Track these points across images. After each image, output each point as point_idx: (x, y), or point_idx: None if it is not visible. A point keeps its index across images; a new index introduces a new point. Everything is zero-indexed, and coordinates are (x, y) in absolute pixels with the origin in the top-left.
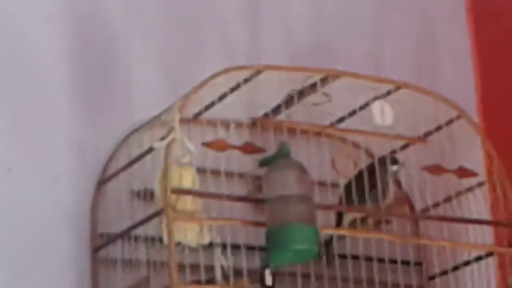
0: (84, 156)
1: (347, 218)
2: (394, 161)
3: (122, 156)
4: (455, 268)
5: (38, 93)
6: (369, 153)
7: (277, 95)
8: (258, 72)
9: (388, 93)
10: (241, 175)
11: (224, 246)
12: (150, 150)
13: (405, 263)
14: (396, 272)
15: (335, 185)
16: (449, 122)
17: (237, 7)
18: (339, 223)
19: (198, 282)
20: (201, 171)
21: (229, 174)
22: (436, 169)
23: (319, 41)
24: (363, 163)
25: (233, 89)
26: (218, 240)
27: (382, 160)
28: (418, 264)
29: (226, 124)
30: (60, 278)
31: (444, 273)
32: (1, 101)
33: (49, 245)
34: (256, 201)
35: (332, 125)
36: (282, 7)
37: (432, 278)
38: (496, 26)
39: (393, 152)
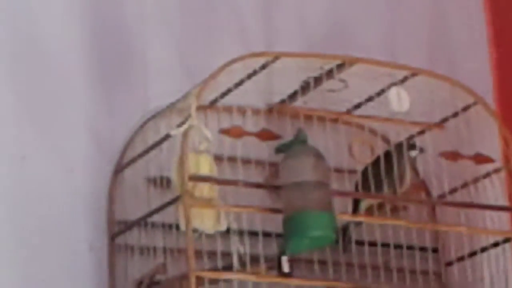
0: (101, 144)
1: (364, 204)
2: (413, 147)
3: (138, 144)
4: (472, 254)
5: (53, 81)
6: (385, 140)
7: (293, 82)
8: (275, 59)
9: (405, 79)
10: (257, 162)
11: (241, 233)
12: (167, 137)
13: (422, 249)
14: (413, 258)
15: (352, 172)
16: (466, 108)
17: None
18: (355, 209)
19: (215, 269)
20: (218, 158)
21: (245, 161)
22: (453, 155)
23: (334, 27)
24: (380, 149)
25: (249, 76)
26: (235, 226)
27: (399, 146)
28: (435, 250)
29: (242, 111)
30: (78, 265)
31: (461, 259)
32: (16, 89)
33: (66, 233)
34: (273, 188)
35: (348, 111)
36: None
37: (449, 264)
38: None
39: (411, 137)
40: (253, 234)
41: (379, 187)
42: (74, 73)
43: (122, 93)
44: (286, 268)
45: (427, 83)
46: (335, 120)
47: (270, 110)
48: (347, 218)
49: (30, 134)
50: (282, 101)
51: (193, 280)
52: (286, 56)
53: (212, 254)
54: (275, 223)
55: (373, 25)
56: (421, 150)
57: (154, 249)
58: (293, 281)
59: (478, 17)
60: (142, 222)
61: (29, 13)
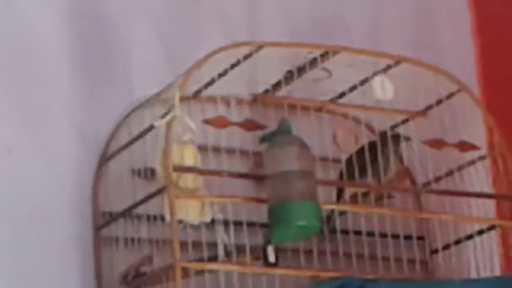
0: (85, 135)
1: (348, 193)
2: (397, 137)
3: (122, 135)
4: (458, 242)
5: (37, 73)
6: (370, 128)
7: (277, 71)
8: (259, 48)
9: (388, 67)
10: (242, 152)
11: (226, 223)
12: (151, 128)
13: (408, 237)
14: (398, 247)
15: (336, 161)
16: (450, 96)
17: None
18: (339, 197)
19: (200, 259)
20: (202, 148)
21: (230, 151)
22: (437, 143)
23: (318, 16)
24: (364, 138)
25: (233, 66)
26: (220, 217)
27: (383, 135)
28: (421, 238)
29: (226, 101)
30: (63, 257)
31: (446, 247)
32: (1, 82)
33: (51, 225)
34: (258, 178)
35: (332, 100)
36: None
37: (434, 252)
38: None
39: (395, 126)
40: (238, 224)
41: (363, 175)
42: (57, 65)
43: (106, 85)
44: (271, 258)
45: (411, 71)
46: (319, 109)
47: (254, 100)
48: (332, 207)
49: (15, 127)
50: (266, 91)
51: (178, 271)
52: (269, 46)
53: (197, 245)
54: (260, 213)
55: (358, 14)
56: (407, 139)
57: (139, 240)
58: (279, 271)
59: (462, 5)
60: (127, 213)
61: (13, 9)
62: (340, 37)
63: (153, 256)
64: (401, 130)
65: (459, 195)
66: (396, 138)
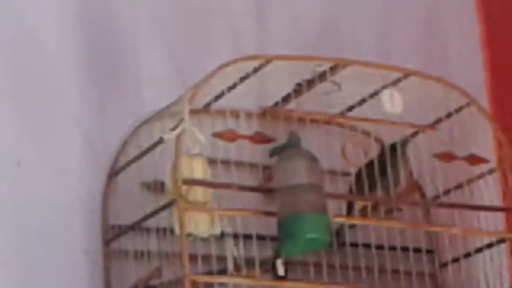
0: (94, 148)
1: (358, 206)
2: (405, 143)
3: (132, 148)
4: (467, 255)
5: (47, 85)
6: (379, 141)
7: (286, 85)
8: (268, 62)
9: (398, 80)
10: (251, 165)
11: (235, 237)
12: (160, 141)
13: (417, 250)
14: (408, 260)
15: (345, 174)
16: (459, 110)
17: None
18: (349, 211)
19: (210, 272)
20: (211, 161)
21: (239, 164)
22: (446, 157)
23: (327, 29)
24: (373, 151)
25: (242, 79)
26: (229, 230)
27: (393, 147)
28: (430, 251)
29: (235, 114)
30: (73, 270)
31: (456, 260)
32: (10, 94)
33: (60, 238)
34: (267, 191)
35: (342, 113)
36: None
37: (444, 265)
38: (506, 10)
39: (405, 139)
40: (248, 237)
41: (373, 188)
42: (67, 79)
43: (115, 97)
44: (280, 271)
45: (420, 85)
46: (328, 122)
47: (263, 113)
48: (341, 220)
49: (25, 140)
50: (275, 104)
51: (188, 284)
52: (278, 59)
53: (206, 258)
54: (270, 226)
55: (367, 26)
56: (409, 140)
57: (149, 253)
58: (288, 284)
59: (471, 18)
60: (136, 226)
61: (21, 19)
62: (349, 50)
63: (163, 269)
64: (410, 143)
65: (468, 208)
66: (404, 144)
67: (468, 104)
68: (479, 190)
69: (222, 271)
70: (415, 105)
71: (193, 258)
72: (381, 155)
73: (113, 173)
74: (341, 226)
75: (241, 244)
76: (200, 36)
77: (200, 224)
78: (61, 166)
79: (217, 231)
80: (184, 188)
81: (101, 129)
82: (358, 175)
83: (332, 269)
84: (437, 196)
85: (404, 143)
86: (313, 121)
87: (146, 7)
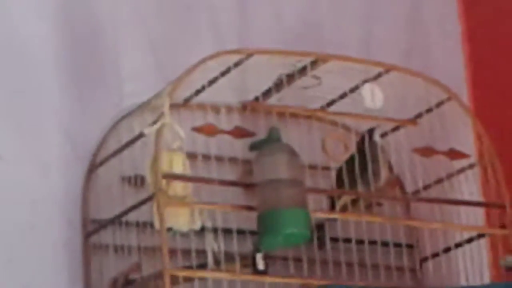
0: (74, 142)
1: (339, 203)
2: (371, 132)
3: (112, 142)
4: (447, 250)
5: (27, 80)
6: (359, 136)
7: (267, 79)
8: (249, 56)
9: (378, 75)
10: (231, 160)
11: (215, 231)
12: (140, 135)
13: (397, 245)
14: (388, 255)
15: (325, 168)
16: (440, 104)
17: None
18: (331, 208)
19: (189, 267)
20: (191, 156)
21: (219, 159)
22: (427, 151)
23: (308, 24)
24: (354, 146)
25: (223, 73)
26: (209, 224)
27: (362, 139)
28: (410, 246)
29: (216, 109)
30: (52, 264)
31: (435, 255)
32: None
33: (40, 231)
34: (247, 186)
35: (322, 108)
36: None
37: (424, 260)
38: (486, 7)
39: (384, 134)
40: (228, 231)
41: (353, 183)
42: (47, 73)
43: (95, 92)
44: (261, 265)
45: (400, 79)
46: (308, 117)
47: (243, 107)
48: (321, 215)
49: (5, 134)
50: (256, 99)
51: (167, 279)
52: (259, 54)
53: (186, 252)
54: (250, 221)
55: (349, 22)
56: (371, 131)
57: (129, 247)
58: (268, 279)
59: (452, 13)
60: (116, 220)
61: (2, 14)
62: (331, 45)
63: (142, 263)
64: (390, 138)
65: (448, 203)
66: (371, 132)
67: (448, 99)
68: (459, 185)
69: (202, 266)
70: (395, 100)
71: (173, 252)
72: (360, 150)
73: (93, 167)
74: (322, 221)
75: (221, 238)
76: (182, 30)
77: (180, 219)
78: (42, 160)
79: (197, 226)
80: (164, 182)
81: (81, 123)
82: (339, 172)
83: (312, 264)
84: (417, 191)
85: (371, 131)
86: (294, 115)
87: (127, 1)
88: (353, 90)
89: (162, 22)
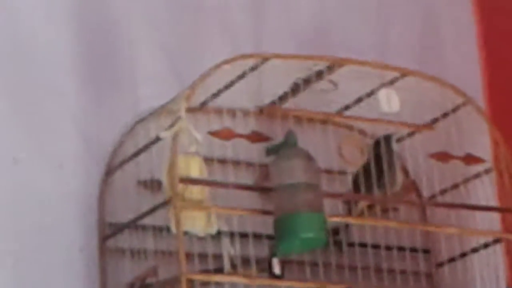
0: (91, 146)
1: (356, 210)
2: (388, 138)
3: (128, 146)
4: (463, 255)
5: (43, 83)
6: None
7: (283, 83)
8: (265, 60)
9: (394, 80)
10: (248, 164)
11: (231, 235)
12: (157, 139)
13: (413, 250)
14: (404, 260)
15: (342, 173)
16: (456, 109)
17: None
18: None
19: (206, 271)
20: (208, 160)
21: (236, 163)
22: (443, 156)
23: (324, 28)
24: (369, 150)
25: (239, 77)
26: (225, 229)
27: (377, 143)
28: (426, 251)
29: (232, 113)
30: (69, 268)
31: (452, 260)
32: (6, 91)
33: (57, 235)
34: (263, 190)
35: (338, 112)
36: None
37: (440, 265)
38: (502, 10)
39: (400, 139)
40: (244, 236)
41: (369, 188)
42: (63, 76)
43: (111, 96)
44: (277, 270)
45: (416, 84)
46: (325, 122)
47: (260, 111)
48: (337, 219)
49: (21, 137)
50: (272, 103)
51: (184, 283)
52: (275, 58)
53: (203, 257)
54: (266, 225)
55: (363, 26)
56: (398, 139)
57: (145, 251)
58: (284, 283)
59: (467, 18)
60: (132, 224)
61: (17, 17)
62: (346, 49)
63: (159, 267)
64: (407, 143)
65: (464, 208)
66: (388, 138)
67: (464, 104)
68: (475, 190)
69: (219, 270)
70: (411, 105)
71: (189, 256)
72: (377, 155)
73: (110, 170)
74: (338, 226)
75: (237, 242)
76: (197, 34)
77: (197, 223)
78: (58, 163)
79: (214, 230)
80: (180, 186)
81: (98, 127)
82: (356, 178)
83: (328, 268)
84: (433, 196)
85: (388, 138)
86: (310, 120)
87: (142, 4)
88: (369, 95)
89: (177, 26)
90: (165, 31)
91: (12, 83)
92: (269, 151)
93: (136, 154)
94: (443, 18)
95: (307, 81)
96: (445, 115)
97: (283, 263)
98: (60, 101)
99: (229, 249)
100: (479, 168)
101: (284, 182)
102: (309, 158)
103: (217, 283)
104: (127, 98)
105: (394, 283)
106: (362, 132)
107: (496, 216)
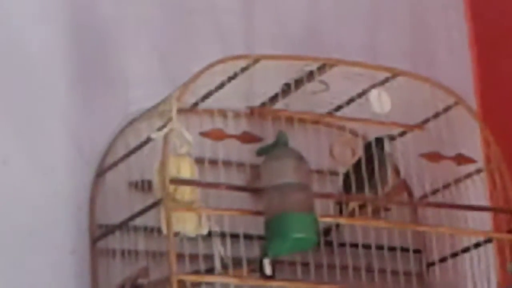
0: (82, 147)
1: (347, 210)
2: (380, 140)
3: (119, 147)
4: (454, 255)
5: (33, 85)
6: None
7: (274, 84)
8: (256, 61)
9: (385, 80)
10: (239, 165)
11: (222, 236)
12: (148, 140)
13: (404, 250)
14: (395, 260)
15: (333, 173)
16: (447, 109)
17: None
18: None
19: (197, 271)
20: (199, 161)
21: (227, 164)
22: (434, 156)
23: (314, 29)
24: (361, 151)
25: (230, 78)
26: (216, 229)
27: (369, 145)
28: (417, 251)
29: (223, 114)
30: (60, 269)
31: (443, 260)
32: None
33: (47, 237)
34: (255, 190)
35: (329, 113)
36: None
37: (431, 265)
38: (493, 11)
39: (379, 137)
40: (235, 236)
41: (360, 188)
42: (54, 78)
43: (102, 97)
44: (268, 270)
45: (408, 84)
46: (316, 122)
47: (251, 112)
48: (328, 220)
49: (10, 138)
50: (263, 104)
51: (175, 284)
52: (266, 59)
53: (194, 257)
54: (257, 226)
55: (355, 26)
56: (392, 138)
57: (136, 252)
58: (275, 284)
59: (459, 18)
60: (124, 225)
61: (8, 18)
62: (336, 50)
63: (150, 268)
64: (398, 143)
65: (455, 208)
66: (380, 141)
67: (455, 104)
68: (466, 190)
69: (210, 271)
70: (402, 105)
71: (180, 257)
72: (369, 155)
73: (101, 172)
74: (329, 226)
75: (228, 243)
76: (188, 35)
77: (188, 224)
78: (48, 165)
79: (205, 231)
80: (171, 187)
81: (89, 128)
82: (346, 177)
83: (319, 268)
84: (424, 196)
85: (380, 139)
86: (301, 120)
87: (133, 6)
88: (360, 95)
89: (168, 27)
90: (156, 32)
91: (2, 85)
92: (260, 152)
93: (127, 155)
94: (434, 18)
95: (298, 82)
96: (436, 115)
97: (274, 264)
98: (50, 102)
99: (220, 250)
100: (470, 168)
101: (275, 182)
102: (300, 158)
103: (208, 284)
104: (118, 99)
105: (385, 283)
106: (353, 132)
107: (487, 216)
